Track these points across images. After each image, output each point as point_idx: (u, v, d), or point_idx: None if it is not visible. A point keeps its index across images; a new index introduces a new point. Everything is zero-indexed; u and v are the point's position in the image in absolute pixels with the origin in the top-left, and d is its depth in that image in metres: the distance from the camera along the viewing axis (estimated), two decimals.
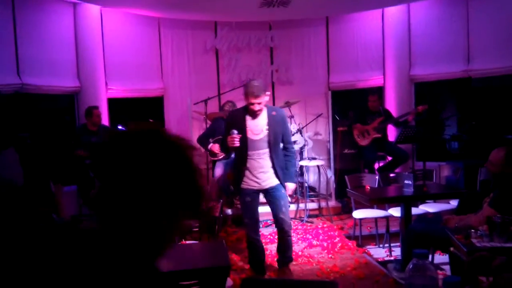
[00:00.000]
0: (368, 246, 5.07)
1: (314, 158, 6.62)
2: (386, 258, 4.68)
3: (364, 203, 4.57)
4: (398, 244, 4.67)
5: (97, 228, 0.95)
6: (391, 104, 7.11)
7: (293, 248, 4.30)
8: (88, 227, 1.01)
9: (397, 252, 4.72)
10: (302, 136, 6.56)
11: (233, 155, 4.31)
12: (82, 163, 5.28)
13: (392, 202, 4.90)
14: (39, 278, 0.90)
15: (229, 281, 3.06)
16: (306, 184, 6.42)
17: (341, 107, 7.97)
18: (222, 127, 4.45)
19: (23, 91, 5.79)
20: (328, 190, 6.82)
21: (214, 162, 6.07)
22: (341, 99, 7.91)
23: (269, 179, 3.88)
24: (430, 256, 3.80)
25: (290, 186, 4.04)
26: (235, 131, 3.75)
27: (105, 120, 6.42)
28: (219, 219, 4.07)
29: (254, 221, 4.01)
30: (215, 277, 2.49)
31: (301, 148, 6.56)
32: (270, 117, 3.86)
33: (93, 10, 6.47)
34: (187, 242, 4.08)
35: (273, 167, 3.86)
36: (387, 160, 6.62)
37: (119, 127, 6.85)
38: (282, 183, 3.91)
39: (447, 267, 3.81)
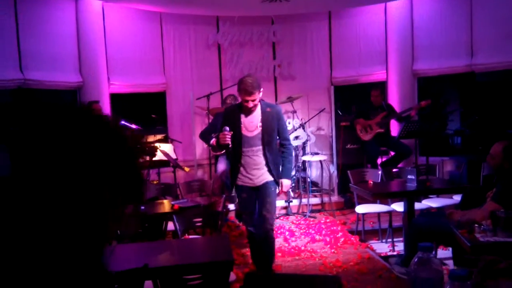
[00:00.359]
0: (371, 241, 5.08)
1: (316, 153, 6.62)
2: (389, 253, 4.69)
3: (367, 198, 4.56)
4: (401, 239, 4.68)
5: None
6: (394, 99, 7.09)
7: (275, 256, 4.10)
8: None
9: (400, 247, 4.73)
10: (304, 131, 6.55)
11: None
12: None
13: (395, 197, 4.90)
14: None
15: (233, 275, 3.06)
16: (308, 179, 6.41)
17: (344, 102, 7.96)
18: None
19: (26, 86, 5.79)
20: (331, 185, 6.82)
21: (216, 158, 6.06)
22: (343, 94, 7.88)
23: (262, 176, 3.81)
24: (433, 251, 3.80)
25: (285, 182, 3.96)
26: (227, 128, 3.67)
27: None
28: (222, 214, 4.07)
29: (252, 217, 4.00)
30: (219, 271, 2.50)
31: (304, 143, 6.56)
32: (264, 113, 3.78)
33: (95, 5, 6.46)
34: (191, 236, 4.10)
35: (267, 164, 3.78)
36: (390, 155, 6.62)
37: (122, 122, 6.84)
38: (276, 180, 3.85)
39: (450, 262, 3.82)
